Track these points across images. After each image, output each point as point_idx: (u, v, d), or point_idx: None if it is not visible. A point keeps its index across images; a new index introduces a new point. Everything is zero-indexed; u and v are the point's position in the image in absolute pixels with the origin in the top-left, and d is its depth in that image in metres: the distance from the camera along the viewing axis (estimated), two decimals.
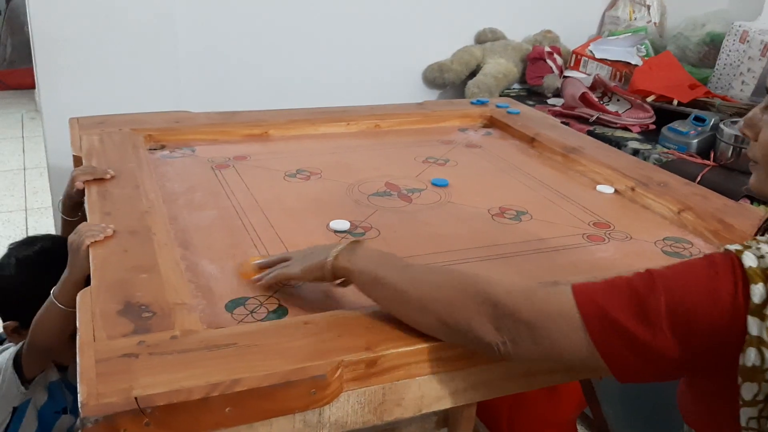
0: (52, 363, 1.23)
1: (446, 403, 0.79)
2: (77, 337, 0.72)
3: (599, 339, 0.66)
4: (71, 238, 0.95)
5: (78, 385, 0.65)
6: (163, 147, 1.37)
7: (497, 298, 0.70)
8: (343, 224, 1.06)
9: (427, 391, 0.77)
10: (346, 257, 0.81)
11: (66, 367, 1.25)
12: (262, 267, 0.91)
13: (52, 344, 1.07)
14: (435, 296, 0.73)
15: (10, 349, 1.18)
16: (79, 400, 0.63)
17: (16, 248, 1.24)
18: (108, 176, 1.11)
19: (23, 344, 1.15)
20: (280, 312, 0.83)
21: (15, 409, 1.19)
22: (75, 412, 1.29)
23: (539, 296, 0.69)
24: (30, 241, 1.26)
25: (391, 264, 0.80)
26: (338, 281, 0.84)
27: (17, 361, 1.15)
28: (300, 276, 0.85)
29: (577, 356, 0.67)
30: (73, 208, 1.19)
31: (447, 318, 0.72)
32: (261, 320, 0.81)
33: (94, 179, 1.10)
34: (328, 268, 0.82)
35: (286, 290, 0.88)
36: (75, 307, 1.02)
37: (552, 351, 0.68)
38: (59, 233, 1.32)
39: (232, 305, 0.84)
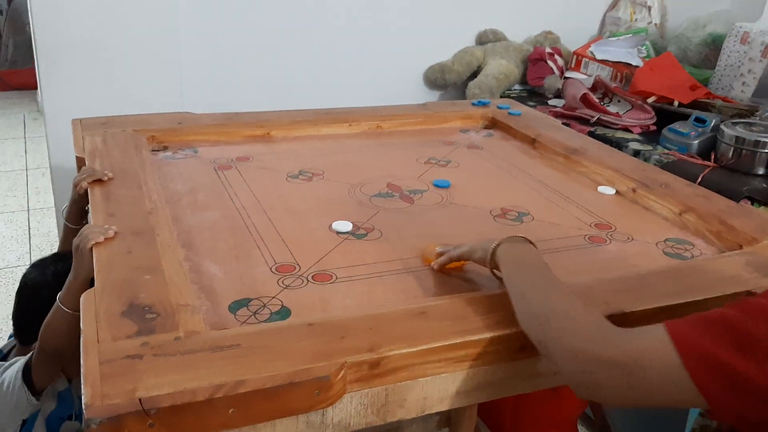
0: (61, 373, 1.22)
1: (449, 404, 0.79)
2: (81, 338, 0.72)
3: (699, 377, 0.62)
4: (75, 241, 0.95)
5: (82, 386, 0.65)
6: (166, 148, 1.37)
7: (596, 353, 0.68)
8: (345, 225, 1.06)
9: (430, 392, 0.77)
10: (502, 251, 0.87)
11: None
12: (440, 253, 0.96)
13: (61, 350, 1.07)
14: (546, 321, 0.74)
15: (18, 362, 1.17)
16: (83, 401, 0.63)
17: (46, 264, 1.24)
18: (106, 178, 1.11)
19: (32, 355, 1.14)
20: (284, 313, 0.83)
21: (24, 420, 1.19)
22: (81, 418, 1.29)
23: (631, 338, 0.67)
24: (60, 256, 1.26)
25: (531, 270, 0.83)
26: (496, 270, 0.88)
27: (26, 373, 1.14)
28: (467, 253, 0.91)
29: (676, 397, 0.64)
30: (78, 215, 1.19)
31: (551, 347, 0.72)
32: (264, 321, 0.81)
33: (94, 180, 1.10)
34: (489, 256, 0.88)
35: (289, 292, 0.88)
36: (71, 310, 1.02)
37: (648, 394, 0.65)
38: (60, 238, 1.32)
39: (236, 306, 0.84)
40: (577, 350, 0.69)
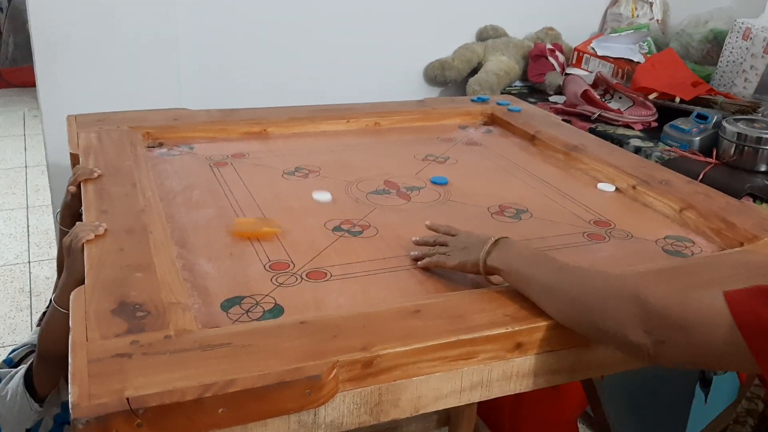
0: (64, 380, 1.21)
1: (444, 404, 0.78)
2: (70, 336, 0.71)
3: (753, 343, 0.65)
4: (66, 240, 0.94)
5: (69, 385, 0.64)
6: (161, 145, 1.36)
7: (648, 300, 0.71)
8: (324, 195, 1.11)
9: (424, 391, 0.76)
10: (496, 257, 0.86)
11: None
12: (419, 243, 0.98)
13: (61, 353, 1.05)
14: (588, 298, 0.76)
15: (21, 371, 1.15)
16: (70, 400, 0.62)
17: None
18: (95, 175, 1.10)
19: (32, 362, 1.13)
20: (277, 311, 0.82)
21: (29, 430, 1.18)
22: None
23: (691, 299, 0.70)
24: None
25: (543, 264, 0.83)
26: (491, 277, 0.88)
27: (28, 381, 1.12)
28: (456, 267, 0.90)
29: (728, 360, 0.69)
30: (71, 218, 1.18)
31: (598, 319, 0.75)
32: (257, 320, 0.80)
33: (85, 180, 1.09)
34: (481, 268, 0.87)
35: (283, 290, 0.87)
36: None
37: (703, 354, 0.69)
38: (57, 240, 1.31)
39: (228, 304, 0.83)
40: (633, 315, 0.72)
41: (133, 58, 1.89)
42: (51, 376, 1.12)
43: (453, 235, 0.95)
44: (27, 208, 3.08)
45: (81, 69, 1.84)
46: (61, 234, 1.21)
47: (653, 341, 0.70)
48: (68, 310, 0.96)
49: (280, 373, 0.67)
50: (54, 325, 1.02)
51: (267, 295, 0.85)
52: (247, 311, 0.82)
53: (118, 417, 0.62)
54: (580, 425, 1.81)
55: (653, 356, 0.71)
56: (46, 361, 1.09)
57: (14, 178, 3.43)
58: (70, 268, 0.97)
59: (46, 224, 2.87)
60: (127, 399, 0.62)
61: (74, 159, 1.22)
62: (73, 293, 0.79)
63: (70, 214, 1.17)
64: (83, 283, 0.90)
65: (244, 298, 0.84)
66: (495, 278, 0.87)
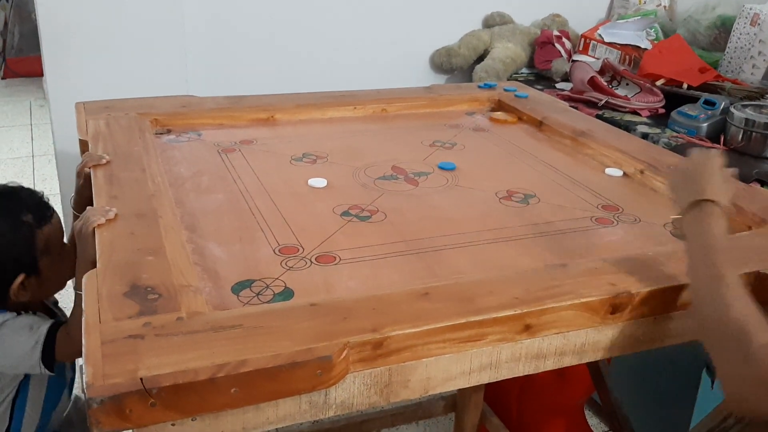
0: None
1: (453, 385, 0.78)
2: (83, 318, 0.72)
3: None
4: (76, 224, 0.95)
5: (84, 366, 0.65)
6: (169, 131, 1.37)
7: None
8: (320, 182, 1.14)
9: (433, 372, 0.76)
10: (688, 223, 0.83)
11: None
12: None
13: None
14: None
15: (47, 325, 1.12)
16: (84, 381, 0.63)
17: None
18: (103, 161, 1.11)
19: (62, 325, 1.13)
20: (287, 294, 0.83)
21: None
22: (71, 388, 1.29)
23: None
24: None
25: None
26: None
27: (50, 340, 1.11)
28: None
29: None
30: (83, 204, 1.19)
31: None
32: (267, 303, 0.81)
33: (94, 165, 1.10)
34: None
35: (293, 273, 0.87)
36: None
37: None
38: (71, 224, 1.31)
39: (239, 288, 0.84)
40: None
41: (141, 46, 1.89)
42: (70, 351, 1.13)
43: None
44: None
45: (88, 57, 1.85)
46: (74, 219, 1.22)
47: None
48: None
49: (292, 353, 0.68)
50: (78, 309, 1.04)
51: (277, 279, 0.86)
52: (258, 294, 0.82)
53: (132, 396, 0.62)
54: (587, 411, 1.82)
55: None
56: (72, 340, 1.10)
57: (21, 167, 3.44)
58: (81, 252, 0.98)
59: None
60: (141, 379, 0.63)
61: (83, 146, 1.23)
62: (85, 276, 0.79)
63: (82, 199, 1.18)
64: (95, 266, 0.91)
65: (255, 282, 0.85)
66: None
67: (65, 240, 1.22)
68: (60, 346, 1.12)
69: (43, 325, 1.13)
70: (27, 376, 1.19)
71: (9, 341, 1.11)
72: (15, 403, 1.19)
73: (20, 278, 1.12)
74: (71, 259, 1.08)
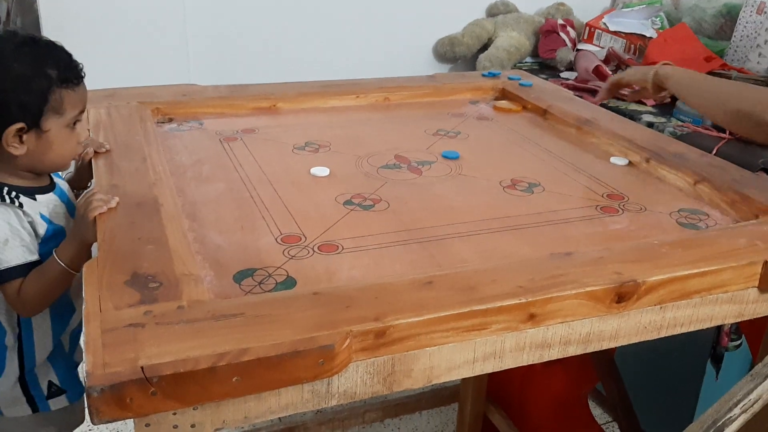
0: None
1: (456, 374, 0.78)
2: (83, 307, 0.71)
3: None
4: (80, 201, 0.94)
5: (84, 355, 0.64)
6: (171, 120, 1.36)
7: None
8: (323, 171, 1.13)
9: (436, 362, 0.76)
10: (668, 70, 1.25)
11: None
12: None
13: (42, 303, 1.06)
14: (745, 96, 1.09)
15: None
16: (84, 370, 0.62)
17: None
18: (103, 150, 1.10)
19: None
20: (289, 283, 0.82)
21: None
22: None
23: None
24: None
25: (700, 74, 1.24)
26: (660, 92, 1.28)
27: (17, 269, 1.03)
28: (626, 77, 1.34)
29: None
30: (80, 181, 1.18)
31: (749, 109, 1.06)
32: (269, 291, 0.80)
33: (95, 154, 1.09)
34: (650, 76, 1.25)
35: (295, 262, 0.87)
36: (74, 269, 1.01)
37: None
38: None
39: (240, 276, 0.83)
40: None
41: (142, 35, 1.88)
42: (33, 305, 1.08)
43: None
44: None
45: (89, 45, 1.83)
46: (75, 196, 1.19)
47: None
48: (66, 265, 1.00)
49: (294, 342, 0.67)
50: (47, 272, 1.02)
51: (279, 268, 0.85)
52: (260, 283, 0.82)
53: (132, 385, 0.62)
54: (590, 402, 1.81)
55: None
56: (25, 297, 1.04)
57: None
58: (77, 231, 0.97)
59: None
60: (141, 368, 0.62)
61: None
62: (86, 265, 0.79)
63: (81, 178, 1.17)
64: (89, 247, 0.90)
65: (257, 271, 0.84)
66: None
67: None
68: (25, 288, 1.03)
69: (16, 252, 1.03)
70: None
71: None
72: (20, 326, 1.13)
73: (18, 125, 1.00)
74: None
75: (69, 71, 1.04)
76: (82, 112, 1.07)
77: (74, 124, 1.06)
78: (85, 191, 0.94)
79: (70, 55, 1.07)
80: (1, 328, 1.12)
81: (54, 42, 1.07)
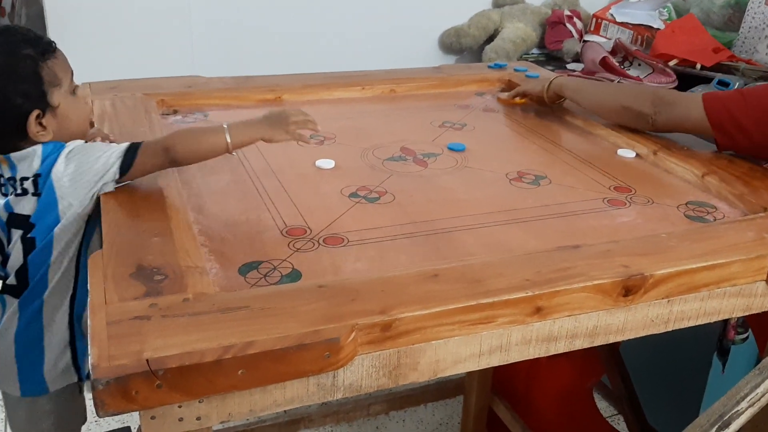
0: None
1: (462, 368, 0.77)
2: (88, 300, 0.71)
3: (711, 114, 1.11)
4: (284, 111, 1.02)
5: (89, 347, 0.64)
6: (175, 112, 1.35)
7: (655, 90, 1.30)
8: (328, 163, 1.14)
9: (442, 355, 0.75)
10: (559, 80, 1.38)
11: None
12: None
13: (188, 161, 1.01)
14: (624, 93, 1.30)
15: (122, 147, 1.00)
16: (89, 362, 0.62)
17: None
18: (107, 141, 1.10)
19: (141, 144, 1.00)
20: (294, 276, 0.82)
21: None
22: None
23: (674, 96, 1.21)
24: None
25: (589, 81, 1.48)
26: (555, 100, 1.41)
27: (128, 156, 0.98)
28: (528, 89, 1.44)
29: (698, 127, 1.16)
30: None
31: (628, 104, 1.24)
32: (275, 284, 0.80)
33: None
34: (546, 86, 1.38)
35: (300, 255, 0.86)
36: (229, 150, 0.99)
37: (679, 120, 1.18)
38: None
39: (246, 269, 0.83)
40: (647, 95, 1.24)
41: (146, 26, 1.87)
42: (154, 164, 1.01)
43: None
44: None
45: (94, 37, 1.84)
46: None
47: (654, 111, 1.19)
48: (232, 141, 0.97)
49: (299, 335, 0.67)
50: (205, 140, 0.99)
51: (284, 260, 0.85)
52: (265, 275, 0.81)
53: (137, 378, 0.62)
54: (596, 395, 1.81)
55: (653, 122, 1.20)
56: (164, 155, 0.99)
57: None
58: (266, 122, 1.01)
59: None
60: (147, 360, 0.62)
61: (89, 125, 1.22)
62: (90, 257, 0.79)
63: None
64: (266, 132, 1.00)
65: (262, 263, 0.84)
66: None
67: None
68: (144, 155, 0.98)
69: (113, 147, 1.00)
70: (87, 239, 1.07)
71: (92, 152, 0.99)
72: (78, 261, 1.06)
73: (34, 114, 1.01)
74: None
75: (41, 44, 1.04)
76: (72, 75, 1.07)
77: (73, 91, 1.06)
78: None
79: (30, 29, 1.06)
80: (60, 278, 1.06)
81: (10, 25, 1.07)
